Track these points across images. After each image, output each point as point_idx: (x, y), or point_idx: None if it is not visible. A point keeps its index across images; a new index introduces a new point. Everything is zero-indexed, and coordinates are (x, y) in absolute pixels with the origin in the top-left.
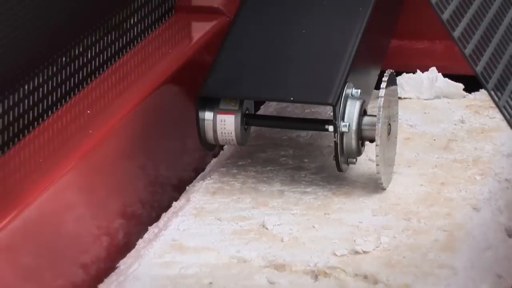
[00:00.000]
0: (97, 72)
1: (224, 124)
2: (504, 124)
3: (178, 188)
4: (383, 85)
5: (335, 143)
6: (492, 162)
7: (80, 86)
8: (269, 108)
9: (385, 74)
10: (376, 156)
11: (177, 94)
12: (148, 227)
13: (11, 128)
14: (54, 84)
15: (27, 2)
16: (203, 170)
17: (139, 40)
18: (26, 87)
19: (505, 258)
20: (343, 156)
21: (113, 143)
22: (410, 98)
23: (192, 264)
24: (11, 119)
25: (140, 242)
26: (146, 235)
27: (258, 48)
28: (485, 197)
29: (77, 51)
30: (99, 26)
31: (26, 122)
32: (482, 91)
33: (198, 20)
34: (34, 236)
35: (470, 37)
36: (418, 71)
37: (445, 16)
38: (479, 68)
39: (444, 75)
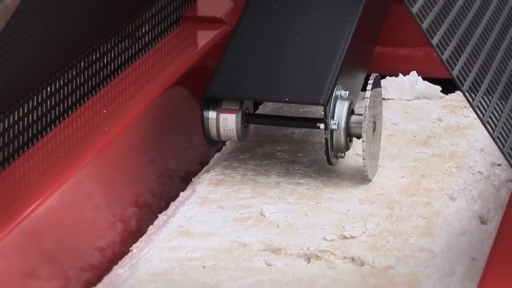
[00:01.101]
0: (112, 75)
1: (226, 122)
2: (477, 122)
3: (184, 180)
4: (369, 87)
5: (326, 139)
6: (467, 156)
7: (97, 88)
8: (267, 108)
9: (370, 77)
10: (363, 151)
11: (184, 95)
12: (158, 215)
13: (35, 125)
14: (74, 86)
15: (57, 15)
16: (207, 164)
17: (150, 47)
18: (48, 88)
19: (479, 243)
20: (333, 151)
21: (126, 139)
22: (393, 99)
23: (197, 248)
24: (35, 117)
25: (150, 228)
26: (156, 222)
27: (256, 54)
28: (460, 187)
29: (94, 56)
30: (114, 35)
31: (48, 120)
32: (458, 92)
33: (203, 29)
34: (56, 223)
35: (447, 44)
36: (400, 74)
37: (425, 25)
38: (455, 72)
39: (424, 78)
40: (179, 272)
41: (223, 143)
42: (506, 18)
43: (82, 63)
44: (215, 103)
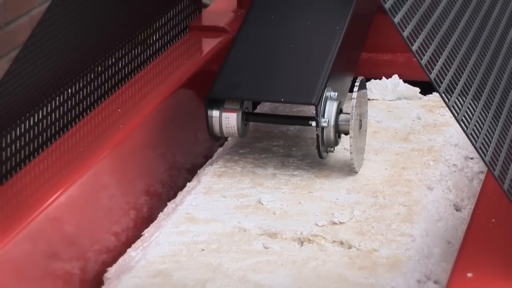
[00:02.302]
0: (126, 78)
1: (228, 120)
2: (452, 120)
3: (191, 172)
4: (355, 89)
5: (317, 135)
6: (443, 150)
7: (113, 90)
8: (264, 107)
9: (357, 80)
10: (350, 146)
11: (190, 96)
12: (167, 203)
13: (57, 123)
14: (92, 88)
15: (82, 26)
16: (211, 157)
17: (160, 53)
18: (69, 90)
19: (454, 228)
20: (324, 146)
21: (139, 135)
22: (377, 99)
23: (202, 233)
24: (57, 116)
25: (160, 215)
26: (165, 209)
27: (255, 59)
28: (437, 178)
29: (110, 61)
30: (128, 42)
31: (69, 118)
32: (435, 93)
33: (207, 37)
34: (76, 210)
35: (425, 50)
36: (383, 77)
37: (406, 33)
38: (432, 75)
39: (404, 81)
40: (186, 254)
41: (225, 139)
42: (479, 26)
43: (100, 67)
44: (218, 103)
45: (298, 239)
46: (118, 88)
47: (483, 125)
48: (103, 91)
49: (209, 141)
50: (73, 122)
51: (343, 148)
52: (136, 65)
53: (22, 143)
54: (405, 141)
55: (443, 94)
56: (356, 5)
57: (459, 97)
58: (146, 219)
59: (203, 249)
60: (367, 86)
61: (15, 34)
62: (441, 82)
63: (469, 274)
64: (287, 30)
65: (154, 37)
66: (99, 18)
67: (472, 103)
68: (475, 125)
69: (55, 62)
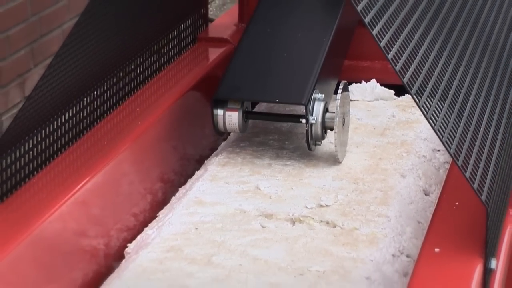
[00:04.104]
0: (143, 82)
1: (230, 118)
2: (422, 118)
3: (199, 162)
4: (339, 91)
5: (307, 131)
6: (414, 144)
7: (132, 92)
8: (261, 107)
9: (340, 84)
10: (335, 140)
11: (198, 97)
12: (179, 189)
13: (84, 120)
14: (114, 90)
15: (104, 34)
16: (216, 149)
17: (172, 61)
18: (95, 92)
19: (423, 210)
20: (312, 140)
21: (155, 130)
22: (358, 100)
23: (208, 214)
24: (85, 114)
25: (173, 199)
26: (177, 194)
27: (254, 66)
28: (409, 167)
29: (130, 68)
30: (146, 51)
31: (95, 116)
32: (407, 95)
33: (213, 47)
34: (101, 194)
35: (399, 58)
36: (363, 81)
37: (382, 43)
38: (405, 80)
39: (381, 84)
40: (195, 232)
41: (228, 134)
42: (445, 37)
43: (121, 73)
44: (222, 103)
45: (290, 219)
46: (137, 90)
47: (449, 122)
48: (124, 93)
49: (214, 136)
50: (98, 120)
51: (329, 142)
52: (152, 71)
53: (56, 137)
54: (382, 136)
55: (414, 96)
56: (340, 20)
57: (428, 98)
58: (161, 202)
59: (211, 228)
60: (349, 89)
61: (49, 45)
62: (413, 85)
63: (437, 249)
64: (281, 41)
65: (168, 47)
66: (121, 30)
67: (439, 103)
68: (441, 122)
69: (83, 68)
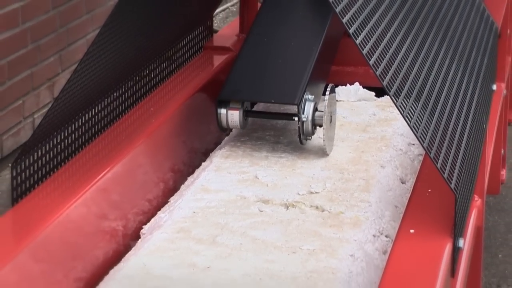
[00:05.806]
0: (156, 85)
1: (232, 116)
2: (399, 116)
3: (205, 154)
4: (327, 93)
5: (299, 127)
6: (392, 139)
7: (146, 94)
8: (259, 106)
9: (328, 86)
10: (323, 135)
11: (204, 98)
12: (187, 178)
13: (105, 118)
14: (131, 92)
15: (122, 43)
16: (220, 143)
17: (182, 67)
18: (114, 94)
19: (400, 196)
20: (303, 135)
21: (166, 127)
22: (343, 101)
23: (213, 200)
24: (106, 112)
25: (182, 187)
26: (186, 182)
27: (253, 70)
28: (388, 159)
29: (145, 73)
30: (158, 58)
31: (114, 115)
32: (387, 96)
33: (217, 55)
34: (119, 182)
35: (379, 64)
36: (348, 84)
37: (365, 51)
38: (385, 82)
39: (364, 87)
40: (201, 216)
41: (231, 130)
42: (420, 44)
43: (136, 77)
44: (225, 103)
45: (284, 204)
46: (151, 92)
47: (422, 119)
48: (139, 95)
49: (218, 132)
50: (117, 118)
51: (318, 137)
52: (164, 75)
53: (80, 133)
54: (364, 132)
55: (392, 97)
56: (327, 31)
57: (404, 99)
58: (172, 189)
59: (215, 212)
60: (335, 91)
61: (75, 52)
62: (391, 88)
63: (412, 230)
64: (276, 49)
65: (177, 54)
66: (137, 40)
67: (414, 103)
68: (416, 120)
69: (104, 72)
